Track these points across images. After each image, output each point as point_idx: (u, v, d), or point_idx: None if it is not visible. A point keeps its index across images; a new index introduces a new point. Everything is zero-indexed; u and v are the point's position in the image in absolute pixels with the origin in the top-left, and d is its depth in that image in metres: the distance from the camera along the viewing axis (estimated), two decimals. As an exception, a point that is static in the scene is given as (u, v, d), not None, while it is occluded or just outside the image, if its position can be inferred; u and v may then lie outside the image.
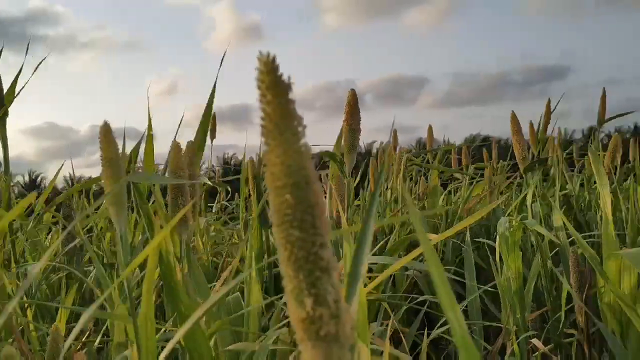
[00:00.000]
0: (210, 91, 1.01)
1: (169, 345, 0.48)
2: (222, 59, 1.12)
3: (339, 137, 1.15)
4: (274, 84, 0.26)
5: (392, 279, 1.73)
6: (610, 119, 1.84)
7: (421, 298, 1.47)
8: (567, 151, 2.78)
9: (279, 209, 0.26)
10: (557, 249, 1.43)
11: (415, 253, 0.62)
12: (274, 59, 0.26)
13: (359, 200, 2.25)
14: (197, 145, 0.93)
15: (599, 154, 2.03)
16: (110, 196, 0.58)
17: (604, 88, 1.82)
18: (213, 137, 2.42)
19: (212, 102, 0.98)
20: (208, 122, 0.98)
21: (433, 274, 0.29)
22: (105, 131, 0.61)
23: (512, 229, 1.22)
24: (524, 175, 1.46)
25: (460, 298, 1.60)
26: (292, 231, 0.25)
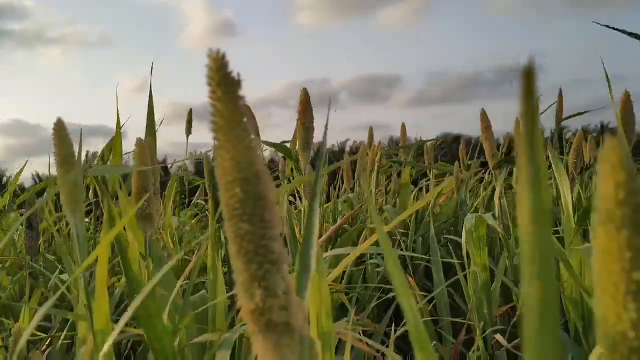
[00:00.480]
0: (148, 92, 1.02)
1: (121, 322, 0.48)
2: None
3: (294, 135, 1.16)
4: (223, 80, 0.26)
5: (363, 274, 1.75)
6: (567, 118, 1.89)
7: (390, 294, 1.49)
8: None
9: (229, 203, 0.26)
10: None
11: (370, 241, 0.63)
12: (223, 56, 0.26)
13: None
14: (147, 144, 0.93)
15: (558, 152, 2.08)
16: (64, 192, 0.58)
17: (560, 88, 1.88)
18: (189, 133, 2.40)
19: (151, 99, 0.98)
20: (153, 122, 0.99)
21: (386, 261, 0.29)
22: (59, 128, 0.61)
23: (475, 225, 1.24)
24: (493, 172, 1.49)
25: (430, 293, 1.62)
26: (241, 225, 0.26)
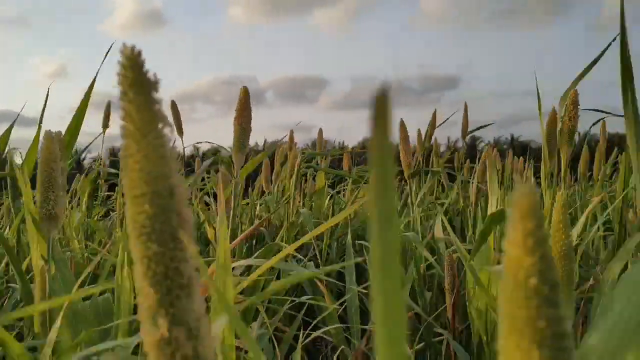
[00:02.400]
0: (91, 81, 0.94)
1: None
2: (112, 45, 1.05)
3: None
4: (137, 81, 0.23)
5: (277, 278, 1.73)
6: (472, 131, 1.99)
7: (304, 299, 1.48)
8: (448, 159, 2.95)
9: (136, 220, 0.23)
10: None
11: (282, 254, 0.62)
12: (139, 54, 0.24)
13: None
14: (70, 136, 0.86)
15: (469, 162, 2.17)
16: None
17: (465, 103, 1.97)
18: (106, 126, 2.27)
19: (91, 91, 0.91)
20: (83, 112, 0.91)
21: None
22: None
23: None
24: (407, 182, 1.52)
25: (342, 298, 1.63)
26: (149, 245, 0.23)
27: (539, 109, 1.05)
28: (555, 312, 0.16)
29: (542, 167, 1.08)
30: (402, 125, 1.46)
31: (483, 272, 1.05)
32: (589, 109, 1.92)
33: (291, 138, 2.11)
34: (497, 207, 1.05)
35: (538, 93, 1.04)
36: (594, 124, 2.30)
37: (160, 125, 0.24)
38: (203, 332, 0.24)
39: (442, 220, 1.32)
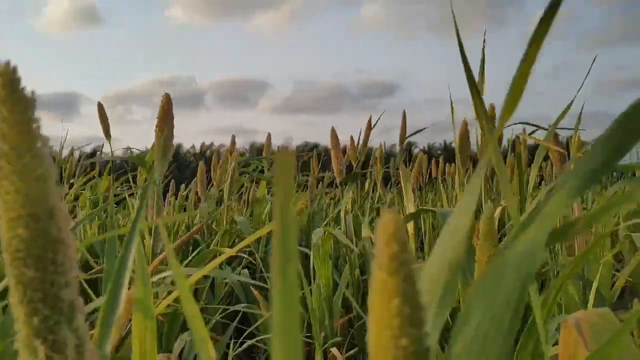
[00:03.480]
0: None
1: None
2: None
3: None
4: (12, 99, 0.22)
5: (211, 287, 1.70)
6: (408, 136, 2.04)
7: (238, 307, 1.46)
8: (386, 165, 3.00)
9: (11, 244, 0.22)
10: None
11: (215, 262, 0.61)
12: (14, 70, 0.23)
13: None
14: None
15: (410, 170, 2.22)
16: None
17: (404, 111, 2.03)
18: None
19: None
20: None
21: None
22: None
23: (322, 239, 1.27)
24: (340, 188, 1.54)
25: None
26: (25, 270, 0.22)
27: (452, 120, 1.09)
28: (417, 332, 0.17)
29: (457, 176, 1.12)
30: (333, 132, 1.47)
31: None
32: (516, 123, 2.01)
33: (232, 142, 2.08)
34: (413, 210, 1.08)
35: (452, 104, 1.08)
36: (530, 134, 2.41)
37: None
38: (87, 358, 0.24)
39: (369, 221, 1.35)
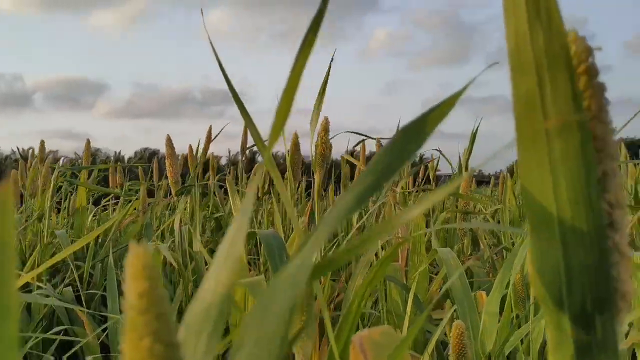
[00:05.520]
0: None
1: None
2: None
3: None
4: None
5: (27, 308, 1.54)
6: (250, 147, 2.06)
7: (58, 328, 1.34)
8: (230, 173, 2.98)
9: None
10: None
11: (27, 277, 0.55)
12: None
13: None
14: None
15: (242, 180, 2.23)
16: None
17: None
18: None
19: None
20: None
21: None
22: None
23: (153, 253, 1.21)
24: (175, 198, 1.49)
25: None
26: None
27: (283, 132, 1.11)
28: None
29: (289, 184, 1.14)
30: (168, 141, 1.42)
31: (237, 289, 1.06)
32: (352, 132, 2.12)
33: (42, 148, 1.89)
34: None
35: (276, 114, 1.10)
36: (355, 145, 2.55)
37: None
38: None
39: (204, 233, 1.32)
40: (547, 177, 0.22)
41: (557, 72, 0.21)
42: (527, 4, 0.21)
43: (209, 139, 2.15)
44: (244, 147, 2.16)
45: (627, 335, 0.77)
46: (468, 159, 2.22)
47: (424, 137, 0.24)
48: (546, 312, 0.23)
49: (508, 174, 2.12)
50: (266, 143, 0.38)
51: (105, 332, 1.46)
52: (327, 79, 1.11)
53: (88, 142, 2.12)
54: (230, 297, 0.20)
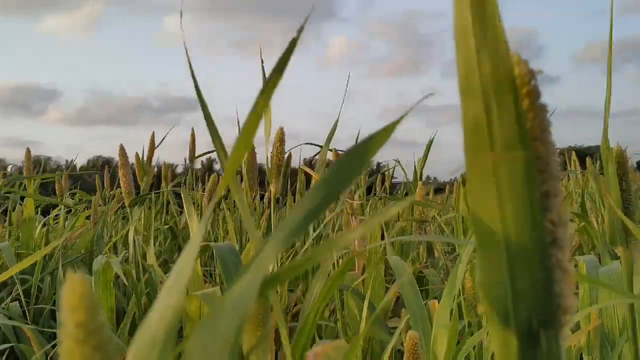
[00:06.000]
0: None
1: None
2: None
3: None
4: None
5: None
6: (199, 156, 2.04)
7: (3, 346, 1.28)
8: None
9: None
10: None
11: None
12: None
13: None
14: None
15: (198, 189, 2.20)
16: None
17: (192, 128, 2.02)
18: None
19: None
20: None
21: None
22: None
23: (104, 267, 1.18)
24: (128, 209, 1.45)
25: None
26: None
27: (218, 145, 1.11)
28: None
29: (245, 195, 1.14)
30: (121, 150, 1.39)
31: (193, 302, 1.05)
32: (309, 143, 2.12)
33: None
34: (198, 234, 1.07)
35: (239, 124, 1.10)
36: (314, 156, 2.56)
37: None
38: None
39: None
40: (493, 198, 0.22)
41: (502, 97, 0.21)
42: (475, 30, 0.21)
43: (152, 148, 2.09)
44: (192, 156, 2.14)
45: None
46: (422, 167, 2.26)
47: (364, 165, 0.24)
48: (493, 328, 0.24)
49: (462, 182, 2.17)
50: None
51: (55, 348, 1.40)
52: (273, 87, 1.11)
53: (28, 151, 2.04)
54: (175, 328, 0.19)
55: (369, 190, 2.92)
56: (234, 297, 0.20)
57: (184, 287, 0.21)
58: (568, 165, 3.03)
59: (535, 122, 0.24)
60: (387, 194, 2.64)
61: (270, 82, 0.24)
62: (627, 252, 0.55)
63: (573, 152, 2.95)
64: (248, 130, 0.25)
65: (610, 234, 0.55)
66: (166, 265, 1.98)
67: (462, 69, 0.22)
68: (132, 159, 2.08)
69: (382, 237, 1.48)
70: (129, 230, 1.38)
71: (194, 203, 1.41)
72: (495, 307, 0.23)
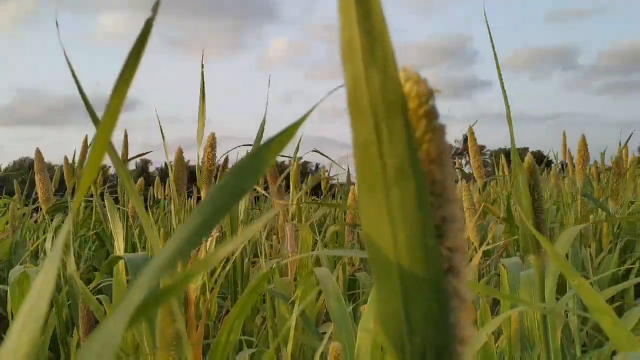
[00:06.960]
0: None
1: None
2: None
3: None
4: None
5: None
6: (132, 158, 1.97)
7: None
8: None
9: None
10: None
11: None
12: None
13: None
14: None
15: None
16: None
17: (125, 130, 1.95)
18: None
19: None
20: None
21: None
22: None
23: (20, 278, 1.11)
24: (45, 216, 1.37)
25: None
26: None
27: (164, 144, 1.07)
28: None
29: (174, 202, 1.10)
30: (38, 155, 1.30)
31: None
32: (247, 145, 2.08)
33: None
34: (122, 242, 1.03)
35: (160, 124, 1.06)
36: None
37: None
38: None
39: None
40: (385, 224, 0.21)
41: (393, 118, 0.20)
42: (362, 49, 0.20)
43: (84, 149, 2.00)
44: (124, 158, 2.06)
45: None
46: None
47: (259, 173, 0.23)
48: (390, 358, 0.23)
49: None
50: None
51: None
52: (204, 89, 1.08)
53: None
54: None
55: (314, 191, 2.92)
56: (103, 334, 0.18)
57: (42, 314, 0.18)
58: (496, 169, 3.14)
59: (432, 144, 0.23)
60: (323, 196, 2.64)
61: (127, 68, 0.22)
62: (538, 260, 0.57)
63: (502, 155, 3.06)
64: (105, 126, 0.22)
65: (523, 243, 0.57)
66: (94, 272, 1.89)
67: (350, 89, 0.20)
68: (61, 161, 1.98)
69: (314, 242, 1.48)
70: (46, 238, 1.30)
71: (119, 209, 1.35)
72: (391, 337, 0.22)
